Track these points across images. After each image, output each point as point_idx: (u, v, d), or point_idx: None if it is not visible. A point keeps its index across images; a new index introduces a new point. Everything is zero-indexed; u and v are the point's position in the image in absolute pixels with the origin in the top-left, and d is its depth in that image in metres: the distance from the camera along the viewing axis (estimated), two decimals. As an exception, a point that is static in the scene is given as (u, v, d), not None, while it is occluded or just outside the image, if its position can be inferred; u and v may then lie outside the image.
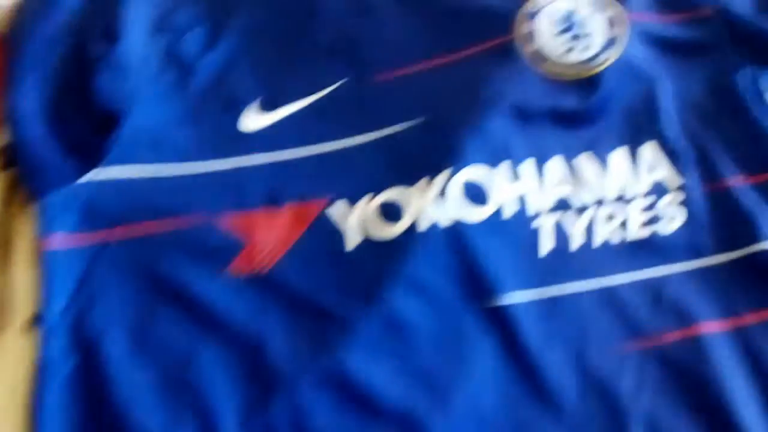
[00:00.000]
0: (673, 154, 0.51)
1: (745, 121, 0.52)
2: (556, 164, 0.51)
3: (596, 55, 0.52)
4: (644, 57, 0.54)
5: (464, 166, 0.50)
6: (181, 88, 0.54)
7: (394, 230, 0.49)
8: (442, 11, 0.55)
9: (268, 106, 0.53)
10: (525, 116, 0.51)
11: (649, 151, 0.52)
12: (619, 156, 0.51)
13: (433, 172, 0.49)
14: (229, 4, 0.57)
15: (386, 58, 0.54)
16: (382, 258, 0.48)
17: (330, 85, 0.54)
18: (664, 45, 0.54)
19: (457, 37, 0.54)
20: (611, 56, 0.52)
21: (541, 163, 0.51)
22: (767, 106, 0.53)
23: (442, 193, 0.49)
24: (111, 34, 0.53)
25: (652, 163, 0.51)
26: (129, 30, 0.54)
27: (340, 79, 0.54)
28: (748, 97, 0.53)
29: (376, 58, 0.54)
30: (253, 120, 0.53)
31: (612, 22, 0.53)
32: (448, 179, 0.49)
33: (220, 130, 0.53)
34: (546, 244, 0.49)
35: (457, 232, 0.49)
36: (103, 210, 0.50)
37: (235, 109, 0.53)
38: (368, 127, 0.52)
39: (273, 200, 0.50)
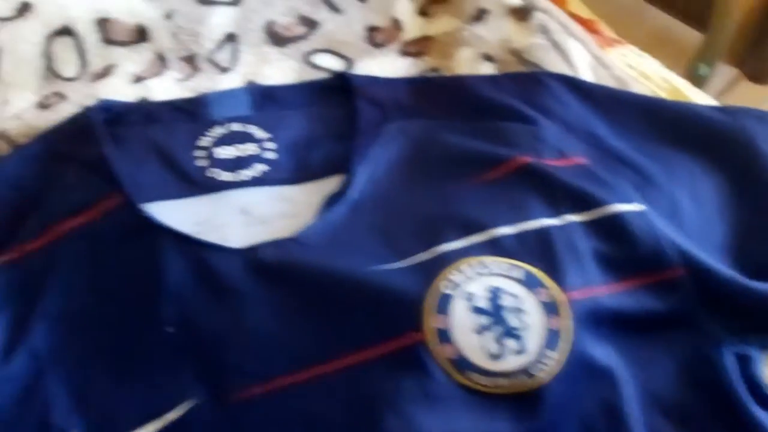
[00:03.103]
0: (646, 488, 0.38)
1: (737, 424, 0.39)
2: None
3: (537, 360, 0.38)
4: (598, 347, 0.40)
5: None
6: None
7: None
8: (322, 297, 0.40)
9: None
10: (443, 459, 0.37)
11: None
12: (573, 501, 0.37)
13: None
14: (35, 276, 0.42)
15: (249, 365, 0.40)
16: None
17: (174, 409, 0.39)
18: (621, 324, 0.40)
19: (343, 335, 0.39)
20: (556, 358, 0.38)
21: None
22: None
23: None
24: None
25: (620, 505, 0.37)
26: None
27: (190, 399, 0.39)
28: (737, 386, 0.39)
29: (235, 366, 0.40)
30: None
31: (549, 308, 0.40)
32: None
33: None
34: None
35: None
36: None
37: None
38: None
39: None
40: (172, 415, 0.39)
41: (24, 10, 0.57)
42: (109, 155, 0.46)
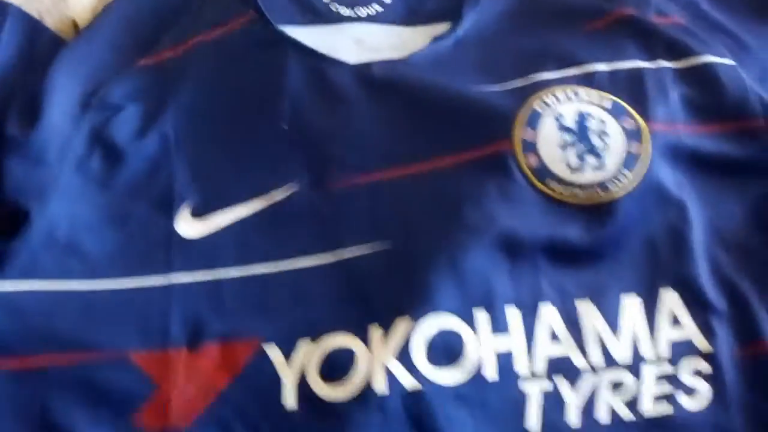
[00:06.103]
0: (700, 307, 0.40)
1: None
2: (549, 315, 0.40)
3: (613, 177, 0.42)
4: (672, 177, 0.43)
5: (432, 312, 0.39)
6: (107, 180, 0.45)
7: (343, 391, 0.38)
8: (423, 107, 0.45)
9: (203, 210, 0.44)
10: (514, 249, 0.41)
11: (671, 301, 0.41)
12: (630, 306, 0.41)
13: (393, 316, 0.39)
14: (171, 77, 0.48)
15: (350, 159, 0.45)
16: (329, 427, 0.38)
17: (279, 188, 0.44)
18: (697, 162, 0.44)
19: (439, 139, 0.44)
20: (631, 178, 0.42)
21: (530, 312, 0.40)
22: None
23: (405, 346, 0.39)
24: (31, 110, 0.45)
25: (673, 317, 0.40)
26: (53, 103, 0.45)
27: (293, 183, 0.44)
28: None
29: (337, 158, 0.45)
30: (185, 228, 0.44)
31: (632, 134, 0.43)
32: (412, 329, 0.39)
33: (146, 237, 0.43)
34: (533, 417, 0.39)
35: (421, 398, 0.38)
36: None
37: (166, 212, 0.44)
38: (318, 247, 0.42)
39: (194, 336, 0.40)
40: (277, 195, 0.44)
41: None
42: None
